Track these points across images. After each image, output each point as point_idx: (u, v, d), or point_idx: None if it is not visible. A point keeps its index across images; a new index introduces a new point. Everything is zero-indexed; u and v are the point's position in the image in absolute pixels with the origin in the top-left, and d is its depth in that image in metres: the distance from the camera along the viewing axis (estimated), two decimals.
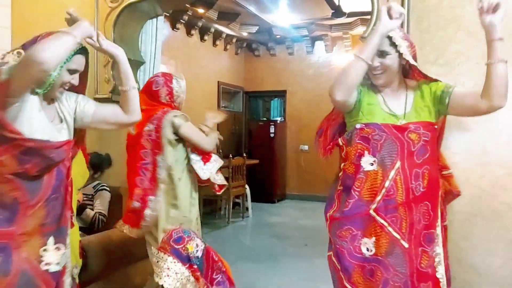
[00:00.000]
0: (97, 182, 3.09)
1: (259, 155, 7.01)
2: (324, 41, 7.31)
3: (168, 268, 1.78)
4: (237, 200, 6.07)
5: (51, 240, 1.45)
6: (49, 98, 1.53)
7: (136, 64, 3.62)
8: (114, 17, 3.38)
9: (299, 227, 5.38)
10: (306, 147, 7.43)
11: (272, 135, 7.26)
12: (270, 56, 7.88)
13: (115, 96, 3.45)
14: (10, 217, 1.36)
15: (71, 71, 1.51)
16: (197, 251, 1.89)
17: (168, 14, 5.59)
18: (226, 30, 6.93)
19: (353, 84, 1.60)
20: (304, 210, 6.48)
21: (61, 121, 1.56)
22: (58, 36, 1.37)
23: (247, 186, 5.96)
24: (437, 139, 1.84)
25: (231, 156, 5.47)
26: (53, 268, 1.44)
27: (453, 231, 2.26)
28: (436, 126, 1.76)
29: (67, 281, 1.55)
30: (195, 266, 1.86)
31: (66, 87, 1.53)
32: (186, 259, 1.83)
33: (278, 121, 7.44)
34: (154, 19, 3.68)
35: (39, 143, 1.39)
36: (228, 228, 5.38)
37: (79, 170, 1.99)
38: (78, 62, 1.54)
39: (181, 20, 5.93)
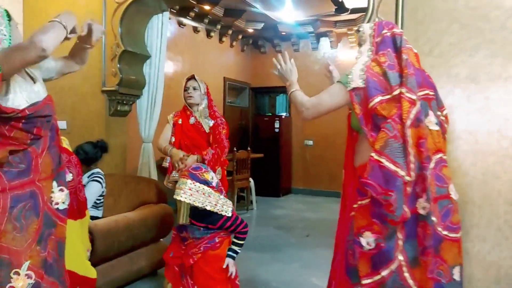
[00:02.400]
0: (91, 171, 3.04)
1: (264, 150, 7.11)
2: (329, 37, 7.37)
3: (190, 189, 1.99)
4: (241, 194, 6.18)
5: (55, 183, 1.68)
6: None
7: (142, 58, 3.75)
8: (121, 12, 3.51)
9: (302, 220, 5.46)
10: (311, 142, 7.51)
11: (277, 130, 7.34)
12: (276, 53, 7.90)
13: (122, 89, 3.58)
14: (28, 167, 1.57)
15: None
16: (212, 178, 2.09)
17: (175, 11, 5.70)
18: (232, 27, 7.03)
19: (306, 99, 1.88)
20: (308, 203, 6.56)
21: (34, 82, 1.76)
22: (56, 28, 1.61)
23: (251, 180, 6.06)
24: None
25: (235, 149, 5.57)
26: (61, 206, 1.68)
27: None
28: None
29: None
30: (213, 187, 2.07)
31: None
32: (203, 182, 2.03)
33: (283, 116, 7.52)
34: (160, 15, 3.80)
35: (33, 107, 1.60)
36: None
37: None
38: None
39: (188, 17, 6.04)
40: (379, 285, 1.53)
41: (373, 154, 1.56)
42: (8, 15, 1.70)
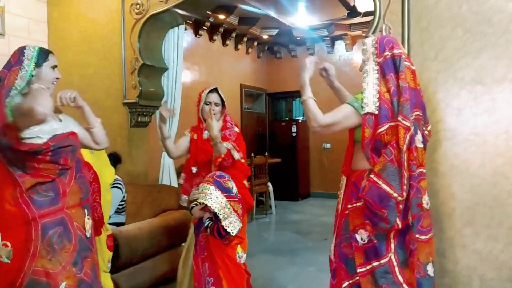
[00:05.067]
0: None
1: (282, 154, 7.19)
2: (344, 41, 7.41)
3: (211, 194, 2.12)
4: (260, 198, 6.27)
5: (86, 211, 1.84)
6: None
7: (160, 70, 3.90)
8: (139, 28, 3.67)
9: (320, 224, 5.51)
10: (328, 145, 7.55)
11: (294, 134, 7.42)
12: (291, 58, 8.05)
13: (142, 101, 3.74)
14: (56, 196, 1.72)
15: (53, 67, 1.88)
16: (233, 188, 2.21)
17: (190, 22, 5.87)
18: (247, 34, 7.17)
19: (319, 114, 1.91)
20: (327, 207, 6.60)
21: (60, 120, 1.93)
22: (45, 95, 1.74)
23: (269, 184, 6.15)
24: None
25: (253, 154, 5.68)
26: (88, 234, 1.83)
27: (457, 218, 2.39)
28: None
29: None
30: (233, 196, 2.19)
31: (55, 82, 1.90)
32: (225, 190, 2.16)
33: (300, 121, 7.58)
34: (176, 28, 3.94)
35: (54, 138, 1.75)
36: (252, 224, 5.59)
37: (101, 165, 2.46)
38: (53, 59, 1.90)
39: (204, 27, 6.20)
40: (370, 273, 1.82)
41: (372, 176, 1.78)
42: (39, 57, 1.83)
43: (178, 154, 2.78)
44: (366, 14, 5.57)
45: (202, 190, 2.13)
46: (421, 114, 1.88)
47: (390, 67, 1.83)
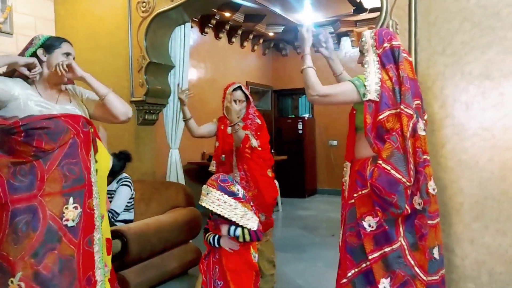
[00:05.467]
0: (119, 177, 3.22)
1: (288, 151, 7.20)
2: (350, 37, 7.39)
3: (218, 200, 2.06)
4: None
5: (71, 200, 1.74)
6: (53, 82, 1.89)
7: (167, 68, 3.92)
8: (145, 26, 3.69)
9: (327, 220, 5.52)
10: (335, 142, 7.54)
11: (300, 131, 7.42)
12: (297, 55, 8.03)
13: (149, 98, 3.76)
14: (32, 182, 1.67)
15: (65, 54, 1.90)
16: (238, 190, 2.15)
17: (196, 20, 5.89)
18: (253, 32, 7.17)
19: (319, 84, 1.96)
20: (334, 204, 6.59)
21: (70, 101, 1.91)
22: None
23: (276, 181, 6.14)
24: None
25: None
26: (70, 223, 1.72)
27: (465, 212, 2.38)
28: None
29: (96, 236, 1.83)
30: (240, 198, 2.13)
31: (67, 70, 1.85)
32: (231, 194, 2.10)
33: (306, 118, 7.59)
34: (182, 26, 3.96)
35: (27, 119, 1.70)
36: None
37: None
38: (67, 47, 1.93)
39: (209, 25, 6.21)
40: (381, 259, 1.86)
41: (380, 162, 1.83)
42: (49, 44, 1.87)
43: (199, 134, 3.08)
44: (372, 10, 5.56)
45: (206, 193, 2.10)
46: (420, 103, 1.95)
47: (389, 58, 1.90)
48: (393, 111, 1.85)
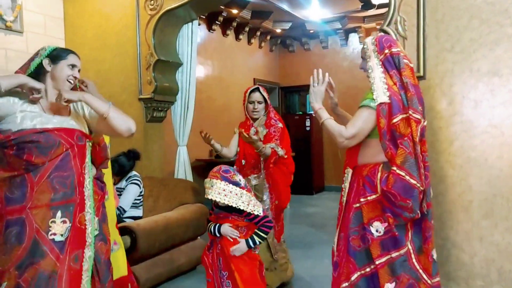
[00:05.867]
0: (128, 175, 3.25)
1: (296, 148, 7.14)
2: (357, 33, 7.35)
3: (224, 190, 2.09)
4: None
5: (59, 213, 1.70)
6: (54, 94, 1.83)
7: (175, 66, 3.94)
8: (153, 24, 3.71)
9: (334, 217, 5.44)
10: None
11: (308, 128, 7.41)
12: (305, 51, 8.01)
13: (157, 96, 3.79)
14: (22, 194, 1.68)
15: (71, 66, 1.87)
16: (240, 180, 2.18)
17: (204, 17, 5.90)
18: (260, 28, 7.17)
19: (343, 129, 1.94)
20: None
21: (69, 114, 1.87)
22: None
23: None
24: None
25: None
26: (58, 238, 1.68)
27: (474, 210, 2.37)
28: None
29: (87, 254, 1.79)
30: (243, 187, 2.16)
31: (71, 80, 1.86)
32: (234, 183, 2.13)
33: (314, 115, 7.56)
34: (190, 23, 3.97)
35: (19, 132, 1.70)
36: None
37: None
38: (73, 59, 1.89)
39: (217, 22, 6.22)
40: (388, 264, 1.86)
41: (394, 168, 1.82)
42: (55, 55, 1.85)
43: (234, 153, 3.03)
44: (380, 6, 5.52)
45: (209, 185, 2.13)
46: (422, 109, 1.94)
47: (391, 64, 1.90)
48: (404, 115, 1.84)
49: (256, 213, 2.13)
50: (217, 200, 2.09)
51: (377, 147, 1.90)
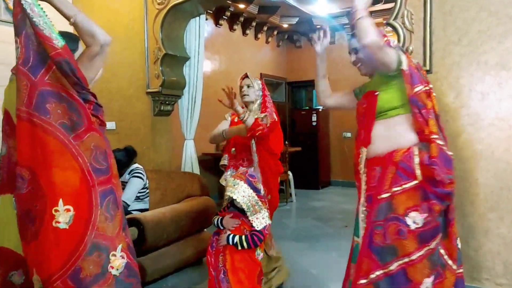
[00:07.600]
0: (131, 168, 3.23)
1: (302, 143, 7.19)
2: None
3: (244, 192, 2.17)
4: (281, 187, 6.31)
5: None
6: None
7: (182, 60, 3.97)
8: (161, 18, 3.73)
9: (341, 211, 5.52)
10: (349, 134, 7.51)
11: (314, 123, 7.41)
12: (311, 46, 7.97)
13: (164, 90, 3.81)
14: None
15: None
16: (261, 189, 2.27)
17: (211, 12, 5.90)
18: (267, 23, 7.16)
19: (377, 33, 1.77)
20: (348, 195, 6.59)
21: None
22: None
23: (290, 173, 6.18)
24: None
25: None
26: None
27: (480, 203, 2.37)
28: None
29: None
30: (261, 196, 2.23)
31: None
32: (256, 190, 2.21)
33: (320, 110, 7.56)
34: (197, 18, 3.99)
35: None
36: None
37: None
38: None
39: (224, 17, 6.22)
40: (427, 257, 1.72)
41: (435, 137, 1.74)
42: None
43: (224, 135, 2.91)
44: (388, 0, 5.49)
45: (233, 184, 2.20)
46: None
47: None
48: (423, 88, 1.79)
49: (254, 225, 2.19)
50: (238, 200, 2.16)
51: (404, 124, 1.82)
